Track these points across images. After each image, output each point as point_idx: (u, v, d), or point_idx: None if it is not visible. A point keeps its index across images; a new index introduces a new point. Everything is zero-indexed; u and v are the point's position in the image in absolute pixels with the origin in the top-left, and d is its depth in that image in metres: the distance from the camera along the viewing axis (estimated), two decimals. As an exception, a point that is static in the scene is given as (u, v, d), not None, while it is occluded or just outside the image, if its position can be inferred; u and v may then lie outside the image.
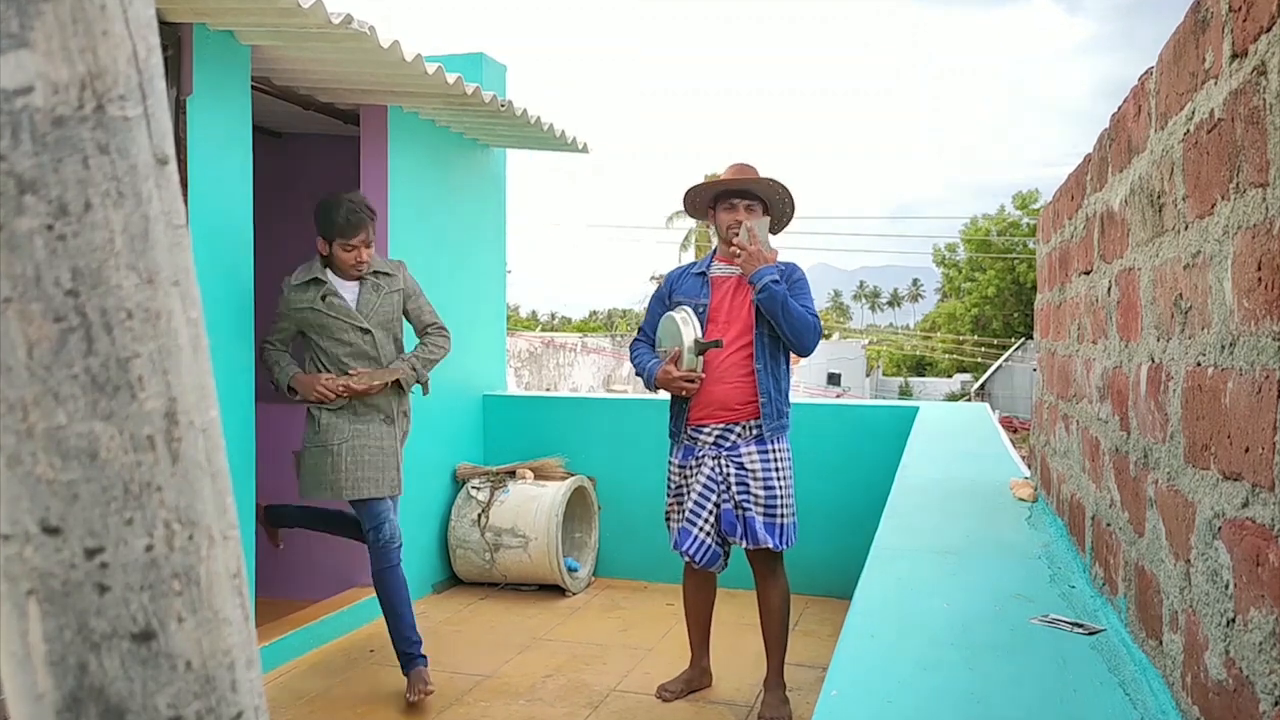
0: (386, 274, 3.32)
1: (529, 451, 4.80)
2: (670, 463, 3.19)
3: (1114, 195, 1.36)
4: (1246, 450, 0.80)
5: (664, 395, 3.22)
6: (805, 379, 27.29)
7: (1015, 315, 35.04)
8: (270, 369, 3.32)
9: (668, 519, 3.21)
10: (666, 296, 3.24)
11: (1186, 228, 0.98)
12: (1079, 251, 1.67)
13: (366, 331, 3.25)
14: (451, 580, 4.61)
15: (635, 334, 3.35)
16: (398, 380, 3.30)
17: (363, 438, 3.26)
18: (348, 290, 3.27)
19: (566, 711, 3.17)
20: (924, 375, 43.76)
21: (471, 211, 4.85)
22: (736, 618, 4.05)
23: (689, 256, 49.81)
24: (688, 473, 3.13)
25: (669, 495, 3.20)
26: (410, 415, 3.47)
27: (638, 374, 3.22)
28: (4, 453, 0.36)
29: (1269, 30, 0.74)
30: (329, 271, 3.25)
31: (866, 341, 52.24)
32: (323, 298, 3.21)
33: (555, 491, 4.42)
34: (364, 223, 3.17)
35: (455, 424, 4.70)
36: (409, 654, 3.22)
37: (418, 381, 3.37)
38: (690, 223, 48.99)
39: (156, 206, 0.39)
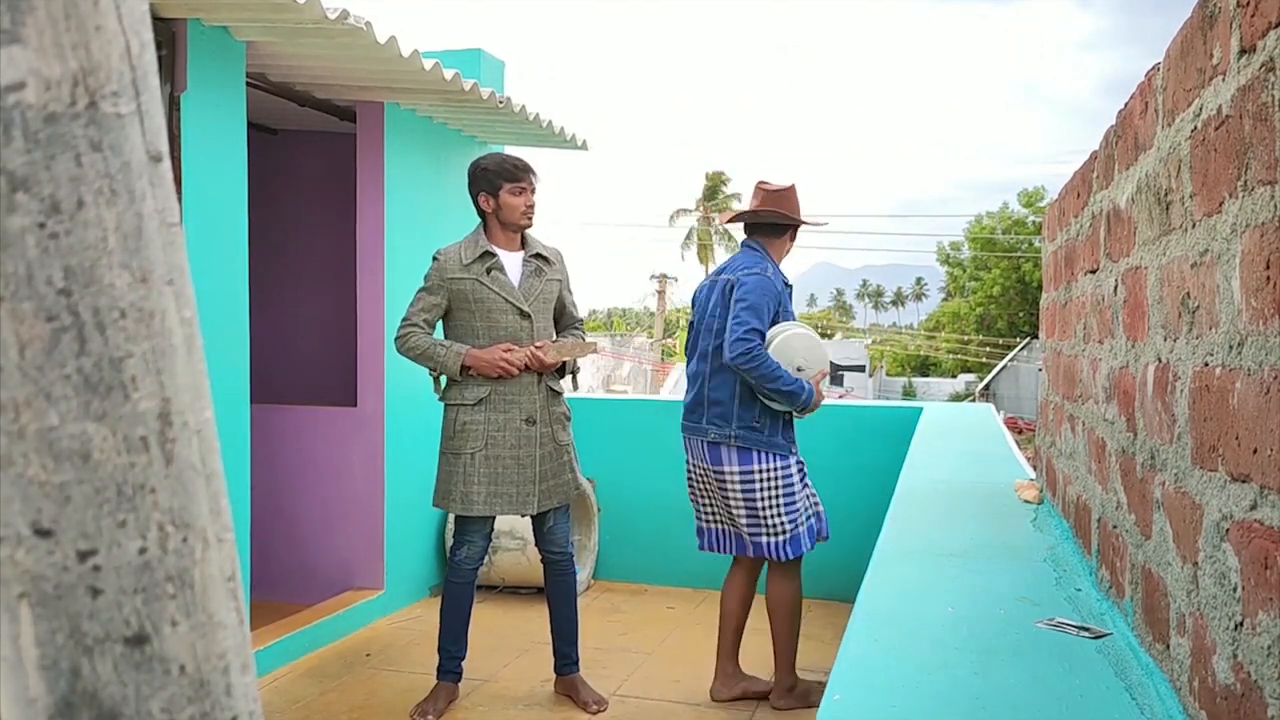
0: (547, 260, 3.13)
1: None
2: (791, 465, 3.11)
3: (1120, 193, 1.35)
4: (1255, 451, 0.79)
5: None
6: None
7: (1020, 315, 34.99)
8: (427, 354, 3.01)
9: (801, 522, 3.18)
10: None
11: (1194, 226, 0.97)
12: (1085, 250, 1.66)
13: (526, 316, 3.03)
14: (450, 582, 4.62)
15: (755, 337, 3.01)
16: (563, 365, 3.06)
17: (498, 446, 3.02)
18: (512, 269, 3.08)
19: (565, 716, 3.16)
20: (928, 375, 43.73)
21: (469, 209, 4.84)
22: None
23: (692, 255, 49.76)
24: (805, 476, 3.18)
25: (798, 495, 3.13)
26: (570, 416, 3.20)
27: (778, 389, 2.96)
28: (-6, 454, 0.36)
29: (1278, 26, 0.73)
30: (495, 245, 3.10)
31: (870, 341, 52.24)
32: (488, 270, 3.02)
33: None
34: (530, 167, 3.05)
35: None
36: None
37: (573, 371, 3.19)
38: (692, 220, 49.02)
39: (150, 204, 0.39)
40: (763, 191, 3.20)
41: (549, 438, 3.08)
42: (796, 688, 3.22)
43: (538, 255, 3.12)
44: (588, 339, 3.29)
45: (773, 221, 3.19)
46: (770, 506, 3.06)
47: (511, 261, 3.10)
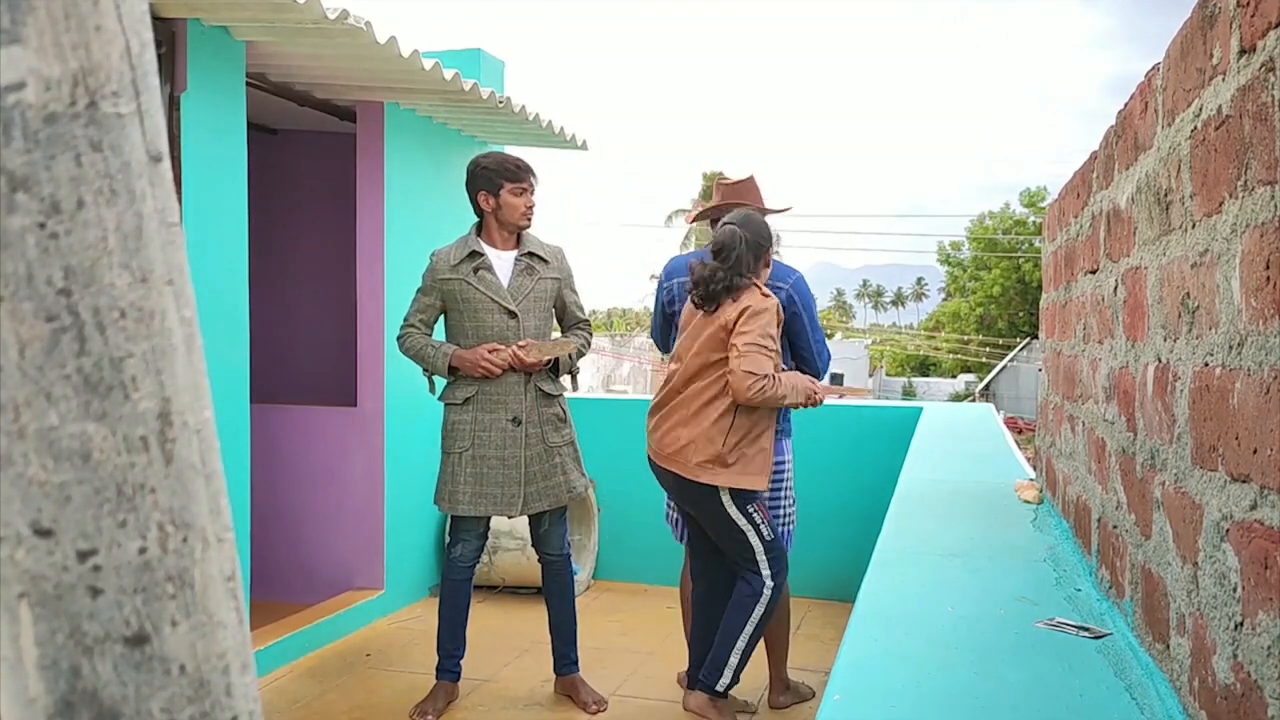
0: (541, 258, 3.11)
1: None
2: (788, 461, 3.18)
3: (1120, 193, 1.35)
4: (1255, 451, 0.79)
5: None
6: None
7: (1021, 315, 35.00)
8: (420, 354, 3.07)
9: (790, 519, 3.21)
10: None
11: (1194, 226, 0.97)
12: (1085, 250, 1.66)
13: (513, 315, 3.04)
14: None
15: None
16: (556, 364, 3.06)
17: (484, 446, 3.04)
18: (502, 268, 3.09)
19: (565, 716, 3.17)
20: (928, 375, 43.72)
21: (469, 209, 4.84)
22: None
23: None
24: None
25: (792, 494, 3.20)
26: (568, 418, 3.16)
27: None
28: (-6, 454, 0.36)
29: (1278, 26, 0.73)
30: (484, 244, 3.10)
31: (869, 341, 52.22)
32: (475, 270, 3.04)
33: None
34: (531, 167, 3.05)
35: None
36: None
37: (570, 371, 3.15)
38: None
39: (150, 204, 0.38)
40: (723, 187, 3.19)
41: (538, 439, 3.07)
42: (790, 685, 3.25)
43: (531, 254, 3.12)
44: (591, 338, 3.29)
45: None
46: (788, 495, 3.17)
47: (503, 261, 3.11)
